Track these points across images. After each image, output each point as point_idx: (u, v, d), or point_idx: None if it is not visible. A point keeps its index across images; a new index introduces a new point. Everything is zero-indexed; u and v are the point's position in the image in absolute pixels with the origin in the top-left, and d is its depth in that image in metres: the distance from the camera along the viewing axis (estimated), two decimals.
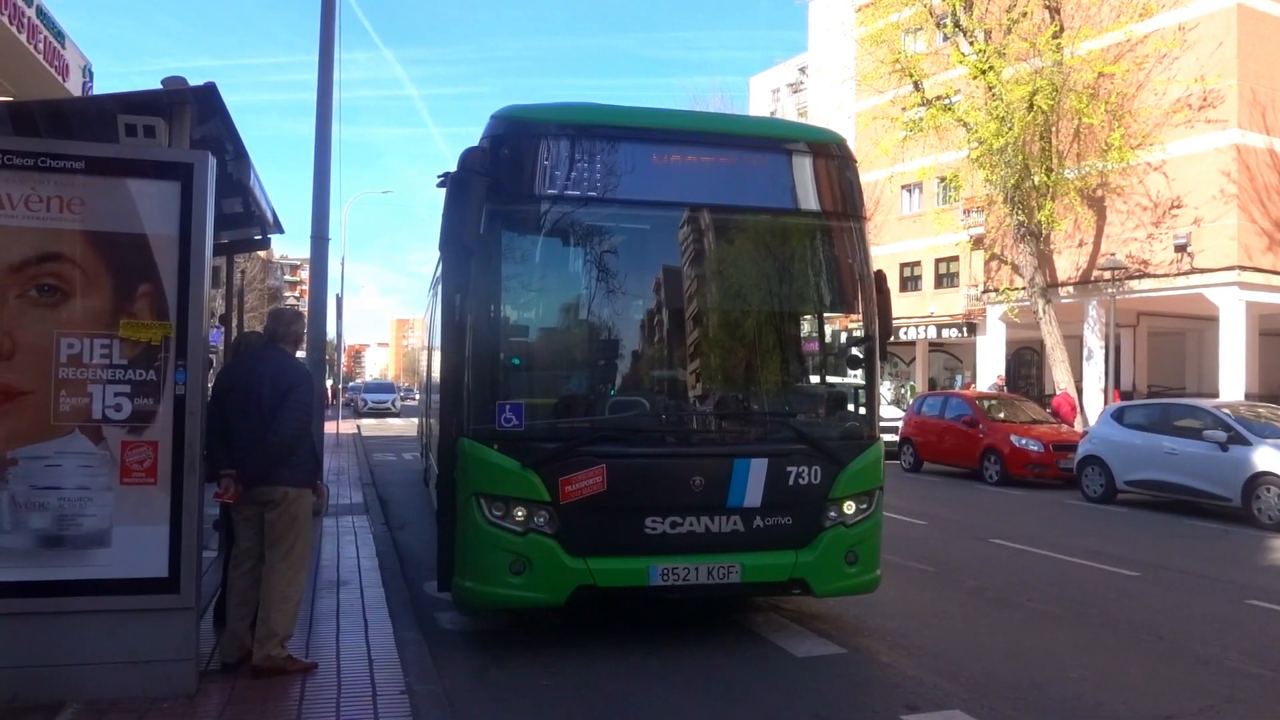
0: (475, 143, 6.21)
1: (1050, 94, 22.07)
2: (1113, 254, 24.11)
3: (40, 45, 10.61)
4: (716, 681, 5.61)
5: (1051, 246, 26.21)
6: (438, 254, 8.39)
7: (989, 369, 29.80)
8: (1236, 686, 5.74)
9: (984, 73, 22.42)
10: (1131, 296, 25.05)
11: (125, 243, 4.75)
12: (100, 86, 13.62)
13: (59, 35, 11.19)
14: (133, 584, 4.69)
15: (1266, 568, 10.06)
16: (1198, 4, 24.08)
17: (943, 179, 27.50)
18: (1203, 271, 23.73)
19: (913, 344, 36.23)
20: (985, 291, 29.33)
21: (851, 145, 6.98)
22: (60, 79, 11.23)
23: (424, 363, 17.94)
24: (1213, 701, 5.46)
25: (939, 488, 17.38)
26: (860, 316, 6.75)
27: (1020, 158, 22.46)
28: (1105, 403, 21.45)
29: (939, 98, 24.20)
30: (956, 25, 23.47)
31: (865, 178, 7.05)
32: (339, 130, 11.01)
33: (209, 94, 5.22)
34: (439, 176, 6.17)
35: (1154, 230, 24.93)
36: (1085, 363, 26.39)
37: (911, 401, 24.05)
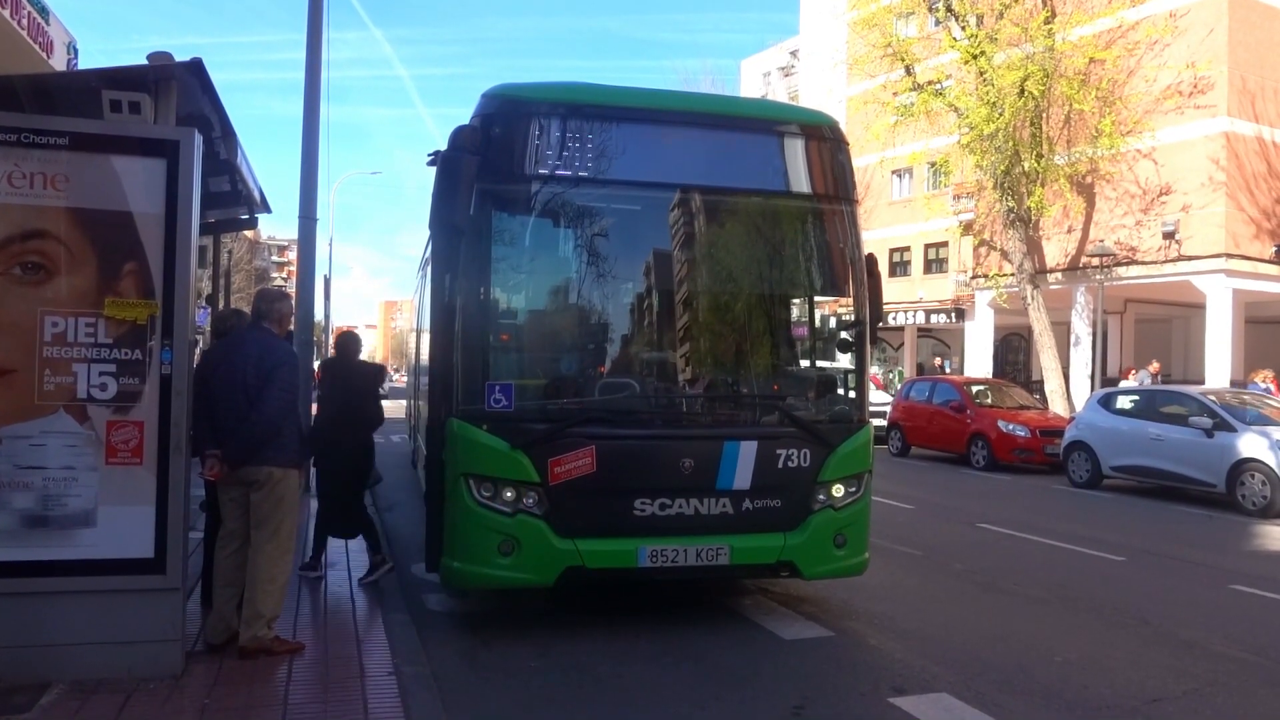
0: (466, 122, 6.16)
1: (1041, 80, 22.05)
2: (1101, 241, 24.16)
3: (24, 20, 10.46)
4: (704, 663, 5.62)
5: (1041, 233, 26.24)
6: (427, 235, 8.34)
7: (980, 354, 29.88)
8: (1220, 670, 5.79)
9: (975, 58, 22.36)
10: (1119, 283, 25.11)
11: (110, 220, 4.70)
12: (85, 64, 13.44)
13: (43, 10, 11.03)
14: (118, 564, 4.67)
15: (1250, 553, 10.15)
16: None
17: (933, 164, 27.45)
18: (1190, 259, 23.80)
19: (901, 329, 36.30)
20: (974, 277, 29.37)
21: (842, 129, 6.96)
22: (44, 55, 11.07)
23: (412, 344, 17.89)
24: (1197, 685, 5.50)
25: (926, 472, 17.45)
26: (851, 300, 6.75)
27: (1010, 143, 22.44)
28: (1092, 389, 21.55)
29: (930, 82, 24.12)
30: (948, 9, 23.39)
31: (856, 162, 7.03)
32: (327, 110, 10.91)
33: (195, 70, 5.16)
34: (429, 155, 6.12)
35: (1142, 217, 24.98)
36: (1073, 349, 26.48)
37: (900, 386, 24.10)
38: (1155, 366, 22.39)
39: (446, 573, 6.04)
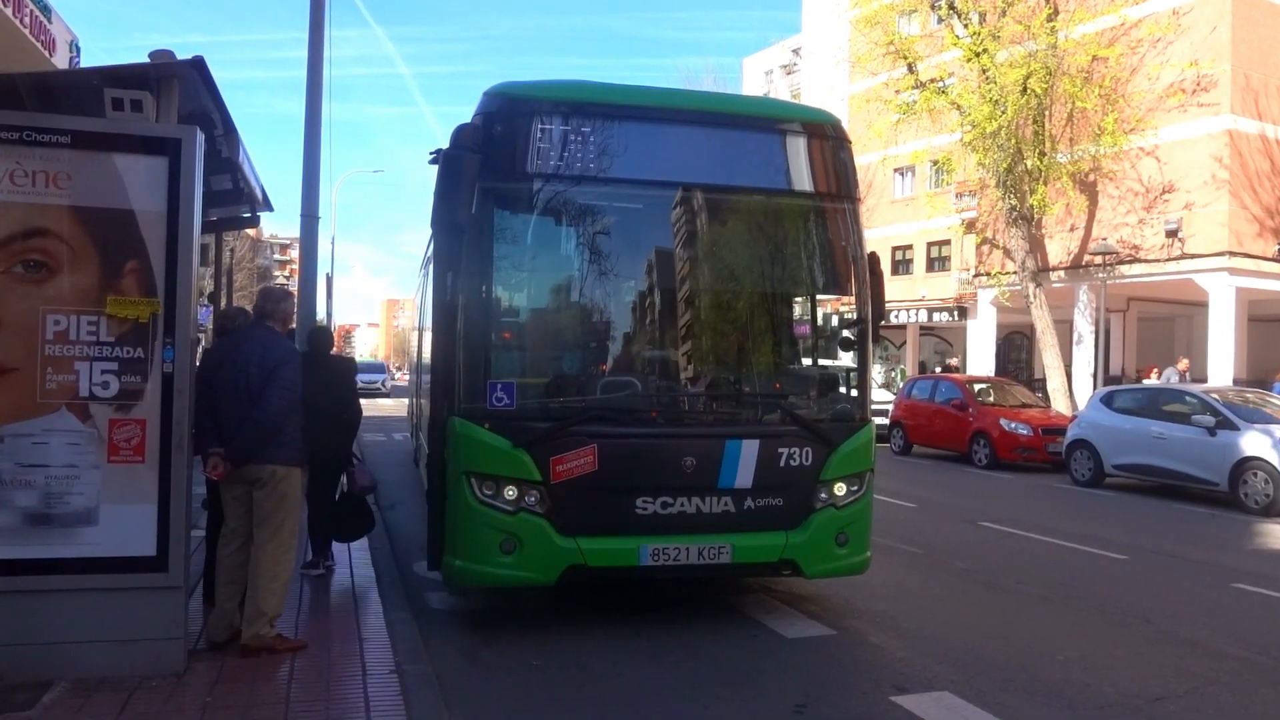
0: (468, 121, 6.16)
1: (1044, 77, 22.03)
2: (1104, 239, 24.14)
3: (26, 19, 10.45)
4: (706, 662, 5.62)
5: (1043, 231, 26.22)
6: (429, 233, 8.33)
7: (983, 353, 29.83)
8: (1222, 669, 5.79)
9: (978, 55, 22.33)
10: (1122, 281, 25.09)
11: (112, 219, 4.70)
12: (88, 62, 13.42)
13: (45, 9, 11.02)
14: (120, 562, 4.68)
15: (1252, 552, 10.13)
16: None
17: (935, 162, 27.43)
18: (1193, 257, 23.78)
19: (903, 328, 36.26)
20: (976, 275, 29.35)
21: (845, 127, 6.95)
22: (46, 53, 11.07)
23: (414, 343, 17.90)
24: (1198, 684, 5.50)
25: (928, 471, 17.44)
26: (853, 299, 6.74)
27: (1013, 141, 22.42)
28: (1095, 387, 21.49)
29: (933, 80, 24.10)
30: (951, 7, 23.36)
31: (858, 160, 7.03)
32: (329, 108, 10.89)
33: (197, 68, 5.16)
34: (431, 153, 6.12)
35: (1145, 215, 24.96)
36: (1075, 347, 26.46)
37: (901, 385, 24.08)
38: (1184, 364, 21.60)
39: (448, 571, 6.05)
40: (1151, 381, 21.07)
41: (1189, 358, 22.47)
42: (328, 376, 7.06)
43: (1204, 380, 23.24)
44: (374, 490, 7.55)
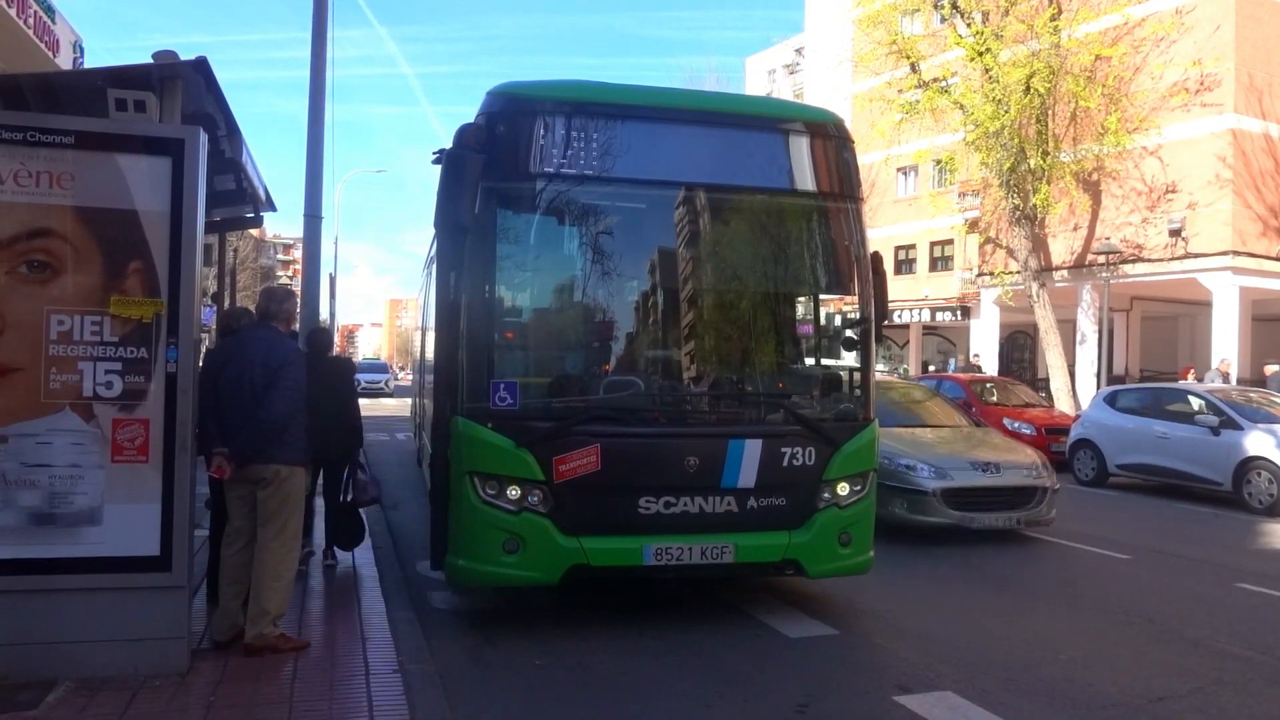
0: (471, 121, 6.16)
1: (1047, 77, 21.99)
2: (1107, 238, 24.11)
3: (30, 20, 10.48)
4: (709, 661, 5.62)
5: (1046, 230, 26.20)
6: (432, 233, 8.34)
7: (986, 352, 29.81)
8: (1225, 668, 5.78)
9: (981, 55, 22.30)
10: (1125, 281, 25.07)
11: (116, 219, 4.71)
12: (91, 62, 13.48)
13: (49, 10, 11.05)
14: (124, 562, 4.69)
15: (1256, 551, 10.12)
16: None
17: (938, 162, 27.42)
18: (1197, 256, 23.75)
19: (906, 327, 36.25)
20: (980, 275, 29.33)
21: (847, 127, 6.95)
22: (50, 54, 11.10)
23: (417, 343, 17.91)
24: (1202, 683, 5.49)
25: None
26: (856, 298, 6.74)
27: (1016, 141, 22.39)
28: (1098, 386, 21.45)
29: (936, 80, 24.08)
30: (954, 6, 23.33)
31: (861, 160, 7.02)
32: (332, 108, 10.92)
33: (200, 68, 5.17)
34: (434, 153, 6.13)
35: (1149, 215, 24.93)
36: (1078, 347, 26.43)
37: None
38: (1225, 364, 20.89)
39: (451, 571, 6.05)
40: (1190, 383, 20.67)
41: (1193, 358, 22.44)
42: (327, 379, 7.06)
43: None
44: (377, 502, 7.53)
